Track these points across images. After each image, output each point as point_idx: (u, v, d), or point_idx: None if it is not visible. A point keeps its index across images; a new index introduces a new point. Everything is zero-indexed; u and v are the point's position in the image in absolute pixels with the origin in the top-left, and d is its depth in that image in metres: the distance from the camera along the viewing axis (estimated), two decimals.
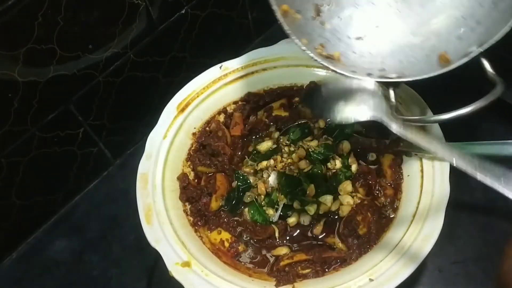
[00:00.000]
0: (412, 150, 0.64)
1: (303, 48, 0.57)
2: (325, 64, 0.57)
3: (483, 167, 0.48)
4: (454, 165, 0.48)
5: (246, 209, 0.68)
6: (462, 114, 0.50)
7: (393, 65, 0.60)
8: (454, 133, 0.58)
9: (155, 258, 0.61)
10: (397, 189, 0.66)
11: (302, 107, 0.75)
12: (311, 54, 0.57)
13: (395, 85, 0.56)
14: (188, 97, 0.73)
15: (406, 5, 0.62)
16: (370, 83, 0.56)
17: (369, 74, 0.58)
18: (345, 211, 0.65)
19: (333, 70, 0.57)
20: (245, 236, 0.66)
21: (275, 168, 0.69)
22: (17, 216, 0.72)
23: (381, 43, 0.62)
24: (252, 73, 0.75)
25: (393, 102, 0.55)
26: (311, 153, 0.68)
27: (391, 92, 0.56)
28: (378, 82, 0.57)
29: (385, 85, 0.57)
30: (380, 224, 0.63)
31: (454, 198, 0.59)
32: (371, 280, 0.55)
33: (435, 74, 0.54)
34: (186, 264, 0.59)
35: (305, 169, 0.67)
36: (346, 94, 0.57)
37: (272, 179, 0.68)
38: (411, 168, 0.65)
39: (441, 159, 0.62)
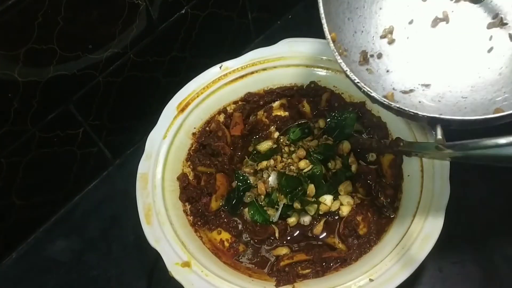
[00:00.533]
0: (412, 150, 0.64)
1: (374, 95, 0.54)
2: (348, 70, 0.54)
3: None
4: None
5: (246, 209, 0.68)
6: None
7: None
8: (454, 133, 0.58)
9: (155, 258, 0.61)
10: (397, 189, 0.66)
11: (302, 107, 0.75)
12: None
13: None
14: (188, 97, 0.73)
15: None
16: None
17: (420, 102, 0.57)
18: (345, 211, 0.65)
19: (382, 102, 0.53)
20: (245, 236, 0.66)
21: (275, 168, 0.69)
22: (17, 216, 0.72)
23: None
24: (252, 73, 0.75)
25: (440, 139, 0.54)
26: (311, 153, 0.68)
27: (439, 130, 0.53)
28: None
29: (432, 123, 0.54)
30: (380, 224, 0.63)
31: (454, 198, 0.59)
32: (371, 280, 0.55)
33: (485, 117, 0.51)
34: (186, 264, 0.59)
35: (305, 169, 0.67)
36: None
37: (272, 179, 0.67)
38: (411, 168, 0.65)
39: (441, 159, 0.62)
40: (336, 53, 0.55)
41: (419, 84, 0.60)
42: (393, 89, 0.60)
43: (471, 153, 0.56)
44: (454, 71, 0.60)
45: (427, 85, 0.60)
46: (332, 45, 0.55)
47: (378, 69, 0.61)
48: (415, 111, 0.54)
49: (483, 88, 0.58)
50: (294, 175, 0.67)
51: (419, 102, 0.60)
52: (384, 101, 0.53)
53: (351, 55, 0.60)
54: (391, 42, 0.62)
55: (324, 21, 0.55)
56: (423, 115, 0.53)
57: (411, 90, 0.60)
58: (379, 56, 0.61)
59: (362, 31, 0.62)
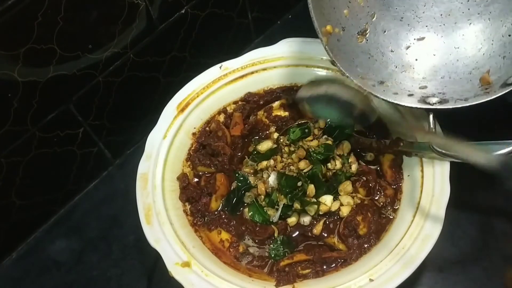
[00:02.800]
0: (412, 150, 0.64)
1: (343, 69, 0.59)
2: (366, 89, 0.59)
3: None
4: None
5: (246, 209, 0.68)
6: None
7: (435, 82, 0.61)
8: (454, 133, 0.58)
9: (155, 258, 0.61)
10: (397, 189, 0.66)
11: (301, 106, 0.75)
12: (351, 78, 0.59)
13: (434, 110, 0.57)
14: (188, 97, 0.73)
15: (451, 19, 0.63)
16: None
17: (410, 95, 0.60)
18: (345, 211, 0.65)
19: (374, 95, 0.59)
20: (245, 236, 0.66)
21: (275, 168, 0.69)
22: (17, 216, 0.72)
23: (424, 57, 0.64)
24: (252, 73, 0.75)
25: (433, 129, 0.56)
26: (311, 153, 0.68)
27: (431, 118, 0.57)
28: (419, 108, 0.58)
29: (425, 111, 0.58)
30: (380, 224, 0.63)
31: (454, 198, 0.59)
32: (371, 280, 0.55)
33: (476, 102, 0.54)
34: (186, 264, 0.59)
35: (305, 169, 0.66)
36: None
37: (272, 179, 0.67)
38: (411, 168, 0.65)
39: (441, 159, 0.62)
40: (319, 32, 0.59)
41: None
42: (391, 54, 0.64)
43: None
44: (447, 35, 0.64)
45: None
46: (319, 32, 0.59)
47: (374, 32, 0.64)
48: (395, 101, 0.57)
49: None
50: (294, 175, 0.67)
51: (412, 67, 0.63)
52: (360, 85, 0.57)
53: (350, 31, 0.63)
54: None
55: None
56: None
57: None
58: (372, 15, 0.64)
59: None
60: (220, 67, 0.75)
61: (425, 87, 0.61)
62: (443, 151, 0.56)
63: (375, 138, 0.70)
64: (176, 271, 0.58)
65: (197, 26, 0.81)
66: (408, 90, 0.61)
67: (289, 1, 0.97)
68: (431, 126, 0.57)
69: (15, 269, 0.74)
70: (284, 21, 0.97)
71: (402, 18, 0.64)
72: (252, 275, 0.62)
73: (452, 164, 0.61)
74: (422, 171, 0.63)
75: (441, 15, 0.63)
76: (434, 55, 0.63)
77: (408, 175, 0.65)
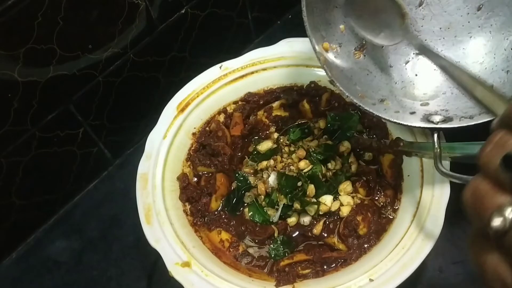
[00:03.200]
0: (412, 150, 0.64)
1: (342, 89, 0.57)
2: (367, 108, 0.57)
3: None
4: None
5: (246, 209, 0.68)
6: None
7: (437, 98, 0.60)
8: (454, 132, 0.58)
9: (155, 258, 0.61)
10: (397, 189, 0.66)
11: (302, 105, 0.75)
12: (351, 97, 0.57)
13: (439, 129, 0.55)
14: (188, 97, 0.73)
15: (451, 33, 0.61)
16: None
17: (412, 113, 0.58)
18: (345, 211, 0.65)
19: (376, 115, 0.57)
20: (245, 236, 0.66)
21: (275, 168, 0.69)
22: (17, 216, 0.72)
23: (424, 72, 0.62)
24: (252, 73, 0.75)
25: (437, 150, 0.54)
26: (311, 153, 0.68)
27: (435, 138, 0.55)
28: (422, 128, 0.56)
29: (430, 130, 0.56)
30: (380, 224, 0.63)
31: (454, 198, 0.59)
32: (371, 280, 0.55)
33: (482, 121, 0.53)
34: (186, 264, 0.59)
35: (305, 169, 0.66)
36: None
37: (272, 179, 0.67)
38: (411, 168, 0.65)
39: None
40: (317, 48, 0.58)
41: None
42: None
43: (471, 153, 0.56)
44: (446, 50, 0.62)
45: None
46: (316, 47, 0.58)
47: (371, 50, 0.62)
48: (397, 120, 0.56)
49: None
50: (294, 175, 0.67)
51: (412, 83, 0.61)
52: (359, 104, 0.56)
53: (347, 47, 0.61)
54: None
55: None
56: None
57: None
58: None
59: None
60: (220, 67, 0.75)
61: (427, 103, 0.59)
62: (450, 173, 0.53)
63: (375, 138, 0.70)
64: (176, 271, 0.58)
65: (197, 26, 0.81)
66: (409, 107, 0.60)
67: (289, 1, 0.97)
68: (436, 146, 0.55)
69: (15, 269, 0.74)
70: (284, 21, 0.97)
71: None
72: (252, 275, 0.62)
73: (452, 164, 0.61)
74: (422, 171, 0.63)
75: (440, 28, 0.61)
76: (435, 69, 0.61)
77: (408, 175, 0.65)
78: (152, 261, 0.69)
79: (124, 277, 0.71)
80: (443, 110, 0.58)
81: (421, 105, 0.60)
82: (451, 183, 0.60)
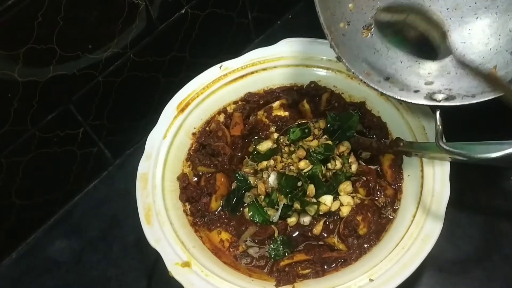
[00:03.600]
0: (412, 150, 0.64)
1: (348, 65, 0.58)
2: (372, 85, 0.58)
3: None
4: None
5: (246, 209, 0.68)
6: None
7: (441, 77, 0.61)
8: (454, 132, 0.58)
9: (155, 258, 0.61)
10: (397, 189, 0.66)
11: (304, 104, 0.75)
12: (357, 74, 0.58)
13: (441, 107, 0.56)
14: (188, 97, 0.73)
15: (458, 13, 0.62)
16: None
17: (416, 91, 0.59)
18: (345, 211, 0.65)
19: (381, 92, 0.58)
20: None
21: (275, 168, 0.69)
22: (17, 216, 0.72)
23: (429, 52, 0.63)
24: (252, 73, 0.75)
25: (439, 127, 0.55)
26: (311, 153, 0.68)
27: (437, 115, 0.56)
28: (425, 105, 0.57)
29: (431, 108, 0.58)
30: (380, 224, 0.63)
31: (454, 198, 0.59)
32: (371, 280, 0.55)
33: (483, 99, 0.54)
34: (186, 264, 0.59)
35: (305, 169, 0.66)
36: None
37: (272, 179, 0.67)
38: (411, 168, 0.65)
39: (441, 159, 0.62)
40: (326, 31, 0.58)
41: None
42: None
43: (471, 153, 0.56)
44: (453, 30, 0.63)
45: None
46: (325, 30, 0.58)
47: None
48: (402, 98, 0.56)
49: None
50: (294, 176, 0.67)
51: (417, 62, 0.62)
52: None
53: (356, 25, 0.62)
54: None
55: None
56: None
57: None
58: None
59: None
60: (220, 67, 0.75)
61: (431, 82, 0.61)
62: (450, 149, 0.54)
63: (375, 138, 0.70)
64: (176, 271, 0.58)
65: (197, 26, 0.81)
66: (414, 86, 0.61)
67: (289, 1, 0.97)
68: (438, 123, 0.56)
69: (15, 269, 0.74)
70: (284, 21, 0.97)
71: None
72: (252, 275, 0.62)
73: (452, 164, 0.61)
74: (422, 171, 0.63)
75: (448, 9, 0.62)
76: None
77: (408, 175, 0.65)
78: (152, 261, 0.69)
79: (124, 277, 0.71)
80: (446, 89, 0.59)
81: (425, 84, 0.61)
82: (451, 184, 0.60)
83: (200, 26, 0.81)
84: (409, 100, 0.58)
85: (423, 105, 0.58)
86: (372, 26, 0.63)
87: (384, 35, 0.62)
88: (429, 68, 0.63)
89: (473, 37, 0.62)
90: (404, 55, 0.63)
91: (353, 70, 0.59)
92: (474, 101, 0.55)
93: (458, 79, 0.60)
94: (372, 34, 0.63)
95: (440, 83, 0.60)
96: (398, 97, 0.58)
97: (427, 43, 0.62)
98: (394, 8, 0.62)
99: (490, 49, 0.60)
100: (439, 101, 0.57)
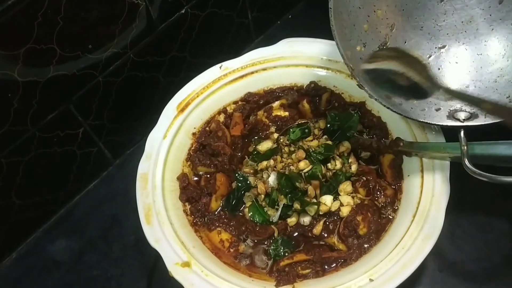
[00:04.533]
0: (412, 150, 0.64)
1: (370, 92, 0.57)
2: (395, 110, 0.57)
3: None
4: None
5: (246, 209, 0.68)
6: None
7: (459, 91, 0.60)
8: (454, 132, 0.58)
9: (155, 258, 0.61)
10: (397, 189, 0.66)
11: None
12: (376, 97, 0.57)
13: (465, 127, 0.56)
14: (188, 97, 0.73)
15: (473, 26, 0.62)
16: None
17: (438, 110, 0.59)
18: (345, 211, 0.65)
19: (405, 116, 0.58)
20: (245, 236, 0.66)
21: (275, 168, 0.69)
22: (17, 216, 0.72)
23: (447, 66, 0.63)
24: (252, 73, 0.75)
25: (464, 147, 0.55)
26: (311, 153, 0.68)
27: (462, 135, 0.55)
28: (449, 126, 0.56)
29: (456, 128, 0.57)
30: (380, 224, 0.63)
31: (454, 198, 0.59)
32: (371, 280, 0.55)
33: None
34: (186, 264, 0.59)
35: (305, 169, 0.66)
36: None
37: (272, 179, 0.67)
38: (411, 168, 0.65)
39: (441, 159, 0.62)
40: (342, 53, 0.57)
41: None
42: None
43: (471, 153, 0.56)
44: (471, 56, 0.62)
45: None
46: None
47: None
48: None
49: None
50: (294, 176, 0.67)
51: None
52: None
53: (372, 46, 0.62)
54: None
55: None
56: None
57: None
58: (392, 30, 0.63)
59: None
60: (220, 67, 0.75)
61: (451, 98, 0.60)
62: (478, 171, 0.53)
63: (375, 138, 0.70)
64: (176, 271, 0.58)
65: (197, 26, 0.81)
66: (434, 103, 0.60)
67: (289, 1, 0.97)
68: (463, 143, 0.55)
69: (15, 269, 0.74)
70: (284, 21, 0.97)
71: (422, 27, 0.63)
72: (252, 275, 0.62)
73: (452, 164, 0.61)
74: (422, 171, 0.63)
75: (462, 22, 0.62)
76: (457, 63, 0.62)
77: (408, 175, 0.65)
78: (152, 261, 0.69)
79: (124, 277, 0.71)
80: (467, 105, 0.58)
81: (445, 100, 0.60)
82: (451, 184, 0.60)
83: (200, 26, 0.81)
84: (433, 122, 0.58)
85: (447, 126, 0.57)
86: (388, 44, 0.63)
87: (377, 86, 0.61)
88: (447, 82, 0.62)
89: (490, 49, 0.61)
90: None
91: (375, 97, 0.58)
92: (498, 120, 0.54)
93: (477, 92, 0.59)
94: None
95: (459, 101, 0.60)
96: (422, 120, 0.58)
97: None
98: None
99: (508, 60, 0.59)
100: (463, 120, 0.57)
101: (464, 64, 0.62)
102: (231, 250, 0.65)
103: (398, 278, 0.55)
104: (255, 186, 0.68)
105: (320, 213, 0.65)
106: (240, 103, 0.76)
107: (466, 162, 0.53)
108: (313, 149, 0.69)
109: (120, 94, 0.75)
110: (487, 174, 0.51)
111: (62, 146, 0.72)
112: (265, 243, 0.65)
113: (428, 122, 0.58)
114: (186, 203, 0.68)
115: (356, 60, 0.60)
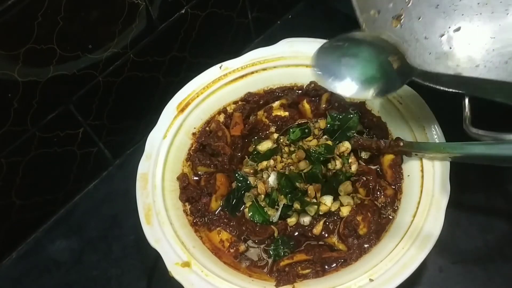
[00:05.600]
0: (412, 150, 0.64)
1: None
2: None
3: None
4: None
5: (246, 209, 0.68)
6: None
7: (469, 70, 0.61)
8: (454, 132, 0.58)
9: (155, 258, 0.61)
10: (397, 189, 0.66)
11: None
12: None
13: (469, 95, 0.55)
14: (188, 97, 0.73)
15: (488, 8, 0.63)
16: None
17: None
18: (345, 211, 0.65)
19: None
20: (245, 236, 0.66)
21: (275, 169, 0.69)
22: (17, 216, 0.72)
23: (458, 46, 0.64)
24: (252, 73, 0.75)
25: (467, 113, 0.55)
26: (311, 153, 0.68)
27: (466, 102, 0.55)
28: (452, 92, 0.56)
29: (461, 94, 0.56)
30: (380, 224, 0.63)
31: (454, 198, 0.59)
32: (371, 280, 0.55)
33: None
34: (186, 264, 0.59)
35: (305, 170, 0.66)
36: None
37: (272, 179, 0.67)
38: (411, 168, 0.65)
39: (441, 159, 0.62)
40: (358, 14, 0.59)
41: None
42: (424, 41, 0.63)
43: (471, 153, 0.56)
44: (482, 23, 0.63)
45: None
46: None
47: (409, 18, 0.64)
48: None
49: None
50: (293, 176, 0.67)
51: (445, 54, 0.63)
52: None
53: (385, 14, 0.63)
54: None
55: None
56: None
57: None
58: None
59: None
60: (220, 67, 0.75)
61: (460, 74, 0.61)
62: (480, 133, 0.52)
63: (375, 138, 0.70)
64: (176, 271, 0.58)
65: (197, 26, 0.81)
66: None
67: (289, 1, 0.97)
68: (467, 110, 0.55)
69: (15, 269, 0.74)
70: (284, 21, 0.97)
71: (438, 5, 0.64)
72: (252, 275, 0.62)
73: (452, 164, 0.61)
74: (422, 171, 0.63)
75: (478, 3, 0.63)
76: (469, 44, 0.63)
77: (408, 175, 0.65)
78: (152, 261, 0.69)
79: (124, 277, 0.71)
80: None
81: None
82: (451, 184, 0.60)
83: (200, 26, 0.81)
84: (437, 86, 0.56)
85: (451, 91, 0.56)
86: (402, 17, 0.63)
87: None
88: (457, 60, 0.63)
89: (503, 32, 0.62)
90: (432, 47, 0.63)
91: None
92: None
93: (487, 71, 0.61)
94: (402, 25, 0.64)
95: (468, 75, 0.61)
96: (428, 84, 0.57)
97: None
98: None
99: None
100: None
101: (476, 45, 0.63)
102: (231, 250, 0.65)
103: (398, 278, 0.55)
104: (255, 186, 0.68)
105: (320, 213, 0.65)
106: (240, 103, 0.76)
107: (469, 126, 0.54)
108: (313, 149, 0.69)
109: (120, 94, 0.75)
110: (489, 132, 0.51)
111: (62, 146, 0.72)
112: (265, 243, 0.65)
113: (435, 86, 0.56)
114: (186, 203, 0.68)
115: (368, 21, 0.61)
